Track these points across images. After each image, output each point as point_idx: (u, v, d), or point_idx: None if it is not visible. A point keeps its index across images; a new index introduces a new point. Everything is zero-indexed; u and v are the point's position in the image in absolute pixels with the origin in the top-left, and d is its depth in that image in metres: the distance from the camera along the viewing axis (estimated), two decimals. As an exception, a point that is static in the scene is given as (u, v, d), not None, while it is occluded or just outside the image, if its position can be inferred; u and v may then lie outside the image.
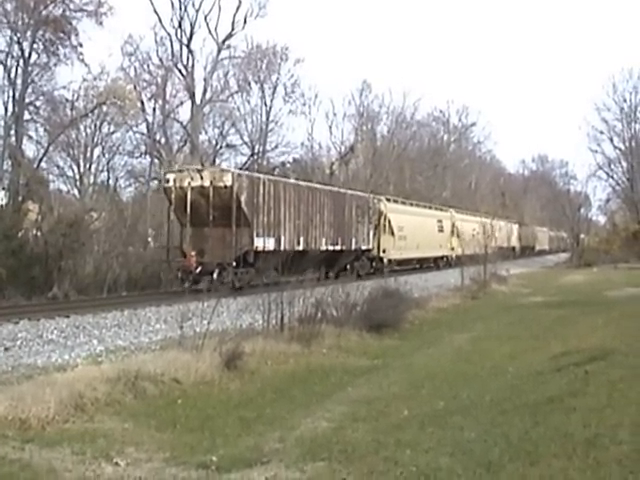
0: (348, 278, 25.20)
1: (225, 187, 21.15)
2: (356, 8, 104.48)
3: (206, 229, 21.25)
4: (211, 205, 21.05)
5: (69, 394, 8.07)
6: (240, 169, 32.15)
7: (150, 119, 38.02)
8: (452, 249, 41.26)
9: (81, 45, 29.80)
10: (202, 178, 21.44)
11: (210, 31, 38.17)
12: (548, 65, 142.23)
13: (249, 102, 44.46)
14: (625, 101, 55.80)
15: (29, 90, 29.23)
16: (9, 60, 28.48)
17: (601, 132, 56.30)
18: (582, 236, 65.41)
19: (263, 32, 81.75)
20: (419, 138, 58.88)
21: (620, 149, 57.21)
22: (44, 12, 28.54)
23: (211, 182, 21.25)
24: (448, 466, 5.87)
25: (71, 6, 29.71)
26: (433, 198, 50.06)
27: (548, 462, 5.77)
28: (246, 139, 44.35)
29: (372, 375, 11.17)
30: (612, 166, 57.73)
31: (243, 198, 21.46)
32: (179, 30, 36.94)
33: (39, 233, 24.83)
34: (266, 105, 44.71)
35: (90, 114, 33.39)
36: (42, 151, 31.17)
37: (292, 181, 28.02)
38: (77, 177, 35.91)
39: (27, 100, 29.24)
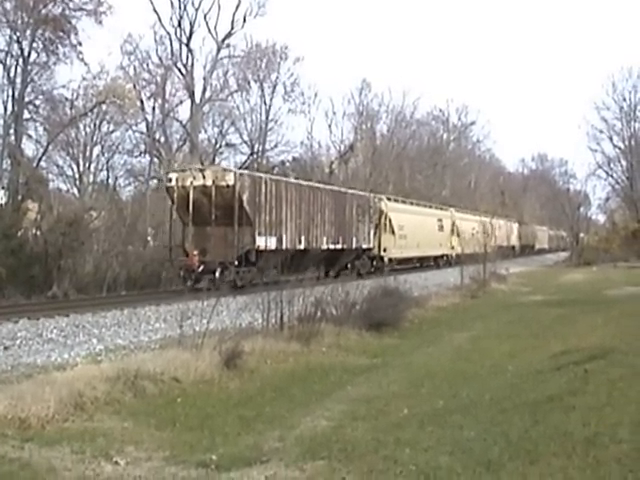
0: (348, 277, 25.23)
1: (227, 186, 21.22)
2: (355, 7, 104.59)
3: (208, 228, 21.33)
4: (213, 204, 21.13)
5: (69, 393, 8.06)
6: (240, 168, 32.16)
7: (149, 118, 38.10)
8: (452, 248, 41.27)
9: (80, 44, 29.79)
10: (204, 177, 21.51)
11: (209, 30, 38.25)
12: (547, 64, 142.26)
13: (248, 101, 44.56)
14: (624, 100, 55.92)
15: (28, 89, 29.21)
16: (8, 59, 28.49)
17: (600, 131, 56.42)
18: (582, 235, 65.45)
19: (262, 31, 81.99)
20: (418, 137, 58.90)
21: (619, 148, 57.29)
22: (43, 11, 28.50)
23: (213, 181, 21.32)
24: (448, 465, 5.87)
25: (70, 5, 29.70)
26: (432, 197, 50.07)
27: (548, 461, 5.77)
28: (245, 138, 44.44)
29: (372, 374, 11.16)
30: (611, 165, 57.84)
31: (245, 197, 21.53)
32: (178, 29, 37.02)
33: (39, 232, 24.83)
34: (265, 104, 44.79)
35: (89, 113, 33.41)
36: (41, 150, 31.18)
37: (294, 180, 28.07)
38: (76, 176, 35.94)
39: (26, 99, 29.21)
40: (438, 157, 60.41)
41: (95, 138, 36.40)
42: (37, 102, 30.56)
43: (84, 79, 32.37)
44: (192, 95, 37.63)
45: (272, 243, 22.76)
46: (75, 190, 35.87)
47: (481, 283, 27.04)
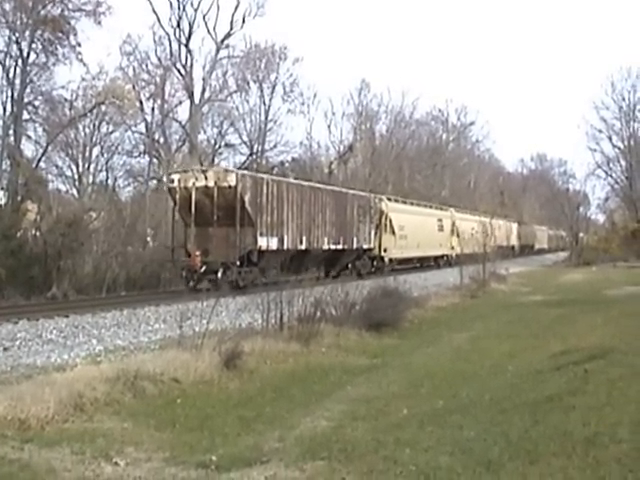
0: (347, 277, 25.26)
1: (229, 187, 21.31)
2: (355, 7, 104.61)
3: (210, 229, 21.45)
4: (215, 205, 21.22)
5: (68, 394, 8.06)
6: (239, 168, 32.16)
7: (149, 119, 38.07)
8: (452, 248, 41.28)
9: (79, 45, 29.79)
10: (206, 178, 21.63)
11: (209, 30, 38.21)
12: (547, 64, 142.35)
13: (248, 101, 44.56)
14: (624, 100, 55.93)
15: (28, 90, 29.19)
16: (7, 60, 28.46)
17: (600, 131, 56.42)
18: (581, 235, 65.44)
19: (262, 31, 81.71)
20: (418, 137, 58.90)
21: (619, 148, 57.29)
22: (42, 12, 28.50)
23: (215, 182, 21.42)
24: (448, 465, 5.87)
25: (70, 6, 29.69)
26: (432, 197, 50.07)
27: (548, 461, 5.77)
28: (245, 138, 44.45)
29: (371, 374, 11.16)
30: (611, 165, 57.83)
31: (247, 198, 21.61)
32: (178, 30, 37.02)
33: (38, 233, 24.82)
34: (265, 104, 44.78)
35: (89, 114, 33.36)
36: (41, 151, 31.16)
37: (295, 181, 28.13)
38: (76, 177, 35.92)
39: (26, 100, 29.20)
40: (437, 157, 60.42)
41: (94, 139, 36.39)
42: (36, 103, 30.58)
43: (83, 80, 32.37)
44: (191, 95, 37.65)
45: (274, 243, 22.85)
46: (74, 191, 35.88)
47: (481, 283, 27.04)
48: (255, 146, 44.10)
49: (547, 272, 43.85)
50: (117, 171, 39.35)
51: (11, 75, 28.59)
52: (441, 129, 66.00)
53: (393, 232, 33.72)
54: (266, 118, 44.71)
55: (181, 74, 37.34)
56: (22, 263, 22.44)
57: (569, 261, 53.90)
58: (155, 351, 11.36)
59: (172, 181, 22.47)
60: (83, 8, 29.75)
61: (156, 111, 38.15)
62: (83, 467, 6.17)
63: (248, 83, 42.93)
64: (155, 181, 40.15)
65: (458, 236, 40.57)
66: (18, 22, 27.95)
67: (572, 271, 42.28)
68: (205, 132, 42.65)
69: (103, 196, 33.67)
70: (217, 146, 43.30)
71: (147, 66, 37.83)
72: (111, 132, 37.18)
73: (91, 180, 36.76)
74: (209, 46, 48.15)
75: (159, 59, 37.60)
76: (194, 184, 21.59)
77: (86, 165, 36.24)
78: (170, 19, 37.09)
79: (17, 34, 28.01)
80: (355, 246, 29.33)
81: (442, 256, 41.58)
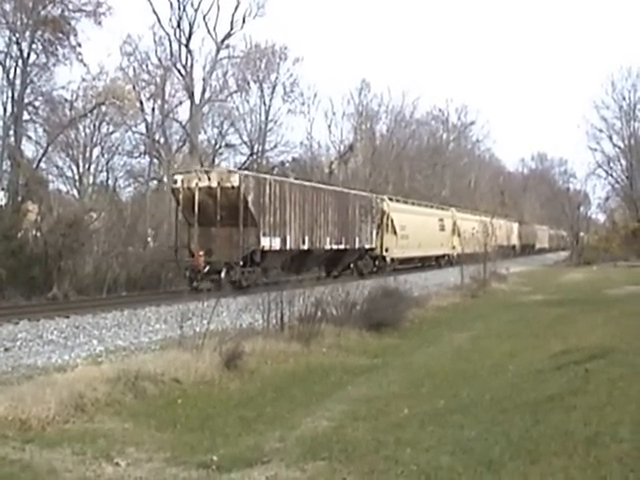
0: (348, 277, 25.28)
1: (232, 188, 21.39)
2: (355, 7, 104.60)
3: (214, 229, 21.56)
4: (219, 205, 21.31)
5: (69, 394, 8.06)
6: (239, 169, 32.19)
7: (149, 119, 38.09)
8: (453, 248, 41.32)
9: (80, 45, 29.79)
10: (210, 179, 21.71)
11: (209, 31, 38.24)
12: (547, 63, 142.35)
13: (248, 102, 44.58)
14: (624, 99, 55.84)
15: (28, 90, 29.20)
16: (8, 60, 28.47)
17: (600, 130, 56.34)
18: (582, 234, 65.37)
19: (262, 32, 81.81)
20: (418, 137, 58.88)
21: (619, 147, 57.22)
22: (43, 12, 28.51)
23: (218, 183, 21.50)
24: (449, 465, 5.87)
25: (70, 6, 29.70)
26: (432, 197, 50.09)
27: (549, 460, 5.77)
28: (245, 139, 44.46)
29: (372, 374, 11.16)
30: (611, 164, 57.77)
31: (250, 198, 21.69)
32: (178, 30, 37.03)
33: (39, 233, 24.81)
34: (265, 104, 44.81)
35: (89, 114, 33.37)
36: (41, 151, 31.17)
37: (297, 181, 28.20)
38: (76, 177, 35.92)
39: (26, 100, 29.20)
40: (438, 157, 60.40)
41: (95, 139, 36.39)
42: (37, 103, 30.58)
43: (83, 80, 32.39)
44: (192, 96, 37.66)
45: (276, 243, 22.93)
46: (75, 191, 35.89)
47: (481, 283, 27.04)
48: (255, 146, 44.14)
49: (548, 271, 43.84)
50: (117, 171, 39.43)
51: (11, 76, 28.64)
52: (441, 129, 66.00)
53: (395, 232, 33.77)
54: (266, 118, 44.79)
55: (181, 74, 37.37)
56: (23, 263, 22.44)
57: (570, 261, 53.88)
58: (156, 351, 11.36)
59: (175, 182, 22.58)
60: (83, 8, 29.78)
61: (156, 111, 38.22)
62: (84, 467, 6.17)
63: (248, 83, 43.00)
64: (155, 181, 40.21)
65: (459, 236, 40.57)
66: (18, 23, 27.96)
67: (573, 270, 42.27)
68: (205, 132, 42.74)
69: (104, 196, 33.67)
70: (217, 146, 43.35)
71: (147, 66, 37.90)
72: (111, 132, 37.23)
73: (92, 180, 36.78)
74: (209, 46, 48.28)
75: (159, 59, 37.68)
76: (197, 184, 21.69)
77: (86, 165, 36.26)
78: (170, 19, 37.18)
79: (17, 35, 28.02)
80: (357, 246, 29.42)
81: (443, 256, 41.61)
